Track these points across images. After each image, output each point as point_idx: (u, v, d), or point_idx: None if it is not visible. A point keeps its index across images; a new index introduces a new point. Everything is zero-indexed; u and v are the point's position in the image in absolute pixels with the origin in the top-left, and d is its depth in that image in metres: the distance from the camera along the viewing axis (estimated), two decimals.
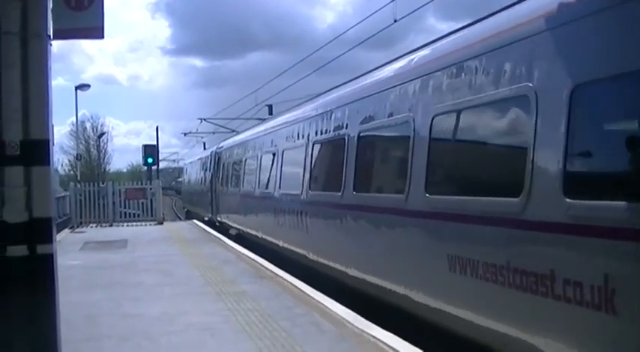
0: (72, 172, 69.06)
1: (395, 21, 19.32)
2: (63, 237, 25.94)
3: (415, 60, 10.63)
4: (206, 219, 34.73)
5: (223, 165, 30.35)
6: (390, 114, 10.92)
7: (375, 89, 11.80)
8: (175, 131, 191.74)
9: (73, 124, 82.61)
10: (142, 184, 35.97)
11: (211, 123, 49.58)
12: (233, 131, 43.14)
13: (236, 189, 25.98)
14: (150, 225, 32.58)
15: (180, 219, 48.14)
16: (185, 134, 60.53)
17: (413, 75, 10.22)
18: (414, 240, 9.59)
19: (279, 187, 18.31)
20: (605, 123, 6.44)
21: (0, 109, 6.14)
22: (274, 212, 18.67)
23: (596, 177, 6.38)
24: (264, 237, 20.14)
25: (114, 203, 33.31)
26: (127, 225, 32.43)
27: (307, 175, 15.54)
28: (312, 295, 12.19)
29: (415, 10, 19.48)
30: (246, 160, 24.36)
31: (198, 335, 9.63)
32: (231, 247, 21.38)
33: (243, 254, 19.26)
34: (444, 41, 10.04)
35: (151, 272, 15.99)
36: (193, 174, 45.32)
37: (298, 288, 13.00)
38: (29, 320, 6.17)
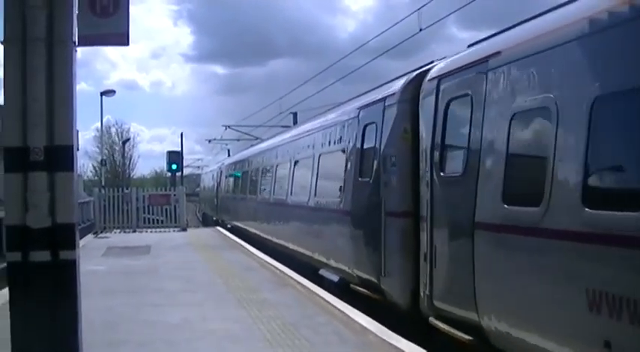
0: (96, 178, 69.52)
1: (420, 30, 19.35)
2: (86, 242, 26.09)
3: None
4: (214, 218, 43.32)
5: (225, 176, 39.93)
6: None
7: None
8: (198, 137, 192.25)
9: (97, 130, 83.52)
10: (165, 190, 36.13)
11: (235, 130, 49.76)
12: (257, 138, 43.21)
13: (232, 195, 35.71)
14: (173, 231, 32.64)
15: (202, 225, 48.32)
16: (209, 141, 60.84)
17: None
18: None
19: (260, 194, 26.80)
20: None
21: (25, 115, 6.18)
22: (257, 212, 27.06)
23: None
24: (247, 228, 29.30)
25: (137, 208, 33.44)
26: (151, 231, 32.53)
27: (273, 185, 23.92)
28: (334, 304, 12.14)
29: (440, 20, 19.53)
30: (241, 174, 33.08)
31: (218, 343, 9.62)
32: (254, 254, 21.36)
33: (267, 261, 19.24)
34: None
35: (173, 279, 16.01)
36: (207, 182, 53.42)
37: (320, 297, 12.95)
38: (51, 325, 6.19)
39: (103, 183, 47.44)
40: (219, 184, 42.31)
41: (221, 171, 42.15)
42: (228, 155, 50.61)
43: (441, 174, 10.00)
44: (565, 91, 7.04)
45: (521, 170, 8.24)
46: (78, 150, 6.96)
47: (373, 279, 12.16)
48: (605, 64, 6.56)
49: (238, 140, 51.36)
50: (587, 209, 6.45)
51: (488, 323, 8.27)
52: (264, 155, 26.60)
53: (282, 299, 12.98)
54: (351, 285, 13.54)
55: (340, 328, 10.29)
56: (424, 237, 10.33)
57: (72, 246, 6.29)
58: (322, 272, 15.59)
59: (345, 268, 13.82)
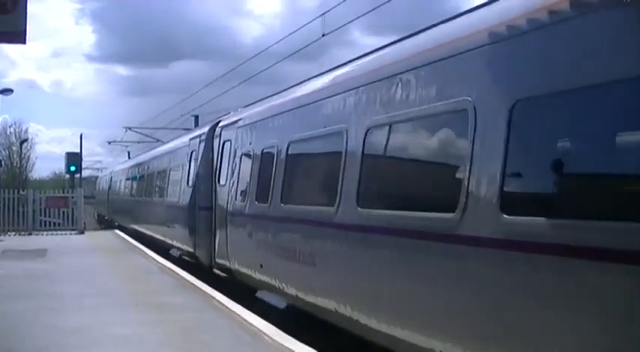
0: None
1: (323, 35, 19.59)
2: None
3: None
4: (107, 218, 49.25)
5: (113, 181, 46.54)
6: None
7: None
8: (101, 139, 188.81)
9: None
10: (64, 192, 35.46)
11: (136, 132, 49.17)
12: (158, 141, 42.87)
13: (118, 197, 41.90)
14: (71, 234, 32.10)
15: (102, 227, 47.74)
16: (110, 142, 60.03)
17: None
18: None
19: (134, 196, 34.11)
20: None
21: None
22: (134, 211, 33.39)
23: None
24: (129, 225, 34.80)
25: (34, 211, 32.75)
26: (48, 234, 31.88)
27: (141, 189, 31.85)
28: (232, 308, 12.24)
29: (344, 25, 19.83)
30: (125, 179, 39.45)
31: (115, 348, 9.61)
32: (154, 258, 21.25)
33: (165, 265, 19.19)
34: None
35: (71, 283, 15.81)
36: (101, 186, 58.81)
37: (219, 301, 13.04)
38: None
39: None
40: (109, 187, 48.61)
41: (111, 177, 49.02)
42: (129, 157, 50.12)
43: (218, 183, 16.87)
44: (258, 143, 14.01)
45: (249, 182, 14.09)
46: None
47: (192, 251, 19.15)
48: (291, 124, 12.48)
49: (139, 142, 50.81)
50: (283, 204, 11.99)
51: (235, 266, 14.81)
52: (138, 166, 34.84)
53: (181, 302, 13.02)
54: (183, 256, 20.81)
55: (239, 332, 10.42)
56: (213, 221, 16.88)
57: None
58: (171, 251, 22.30)
59: (180, 245, 21.12)
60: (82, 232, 32.96)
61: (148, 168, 30.65)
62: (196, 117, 41.76)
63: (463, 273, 6.77)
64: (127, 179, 38.21)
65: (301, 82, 13.13)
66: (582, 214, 5.50)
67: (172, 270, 18.07)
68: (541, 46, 6.14)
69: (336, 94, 10.28)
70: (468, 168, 6.77)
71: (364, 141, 9.05)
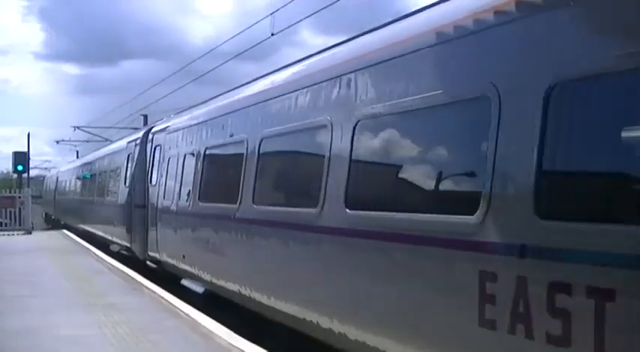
0: None
1: (272, 34, 19.56)
2: None
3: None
4: (53, 217, 50.43)
5: (59, 181, 48.56)
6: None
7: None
8: (49, 138, 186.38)
9: None
10: (12, 192, 34.96)
11: (85, 131, 48.62)
12: (107, 140, 42.49)
13: (64, 197, 43.87)
14: (18, 234, 31.61)
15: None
16: (58, 142, 59.25)
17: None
18: None
19: (78, 196, 35.77)
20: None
21: None
22: (79, 209, 34.78)
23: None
24: (74, 224, 35.72)
25: None
26: None
27: (84, 189, 34.16)
28: (182, 308, 12.17)
29: (292, 25, 19.83)
30: (69, 180, 41.76)
31: (64, 349, 9.44)
32: (102, 259, 21.03)
33: (114, 265, 19.00)
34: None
35: (18, 284, 15.53)
36: (48, 185, 59.83)
37: (168, 301, 12.95)
38: None
39: None
40: (56, 187, 50.03)
41: (57, 177, 50.86)
42: (77, 157, 49.64)
43: (150, 184, 18.46)
44: (184, 148, 15.47)
45: (174, 182, 15.86)
46: None
47: (129, 245, 20.88)
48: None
49: (88, 141, 50.24)
50: (200, 203, 13.69)
51: (164, 258, 16.36)
52: (82, 167, 36.93)
53: (130, 303, 12.91)
54: (121, 251, 22.18)
55: (188, 332, 10.35)
56: (146, 218, 18.40)
57: None
58: (111, 247, 23.81)
59: (118, 241, 22.65)
60: (29, 232, 32.51)
61: (91, 168, 32.76)
62: (145, 117, 41.44)
63: (318, 255, 8.60)
64: (72, 179, 40.46)
65: (217, 96, 15.08)
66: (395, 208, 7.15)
67: (122, 270, 17.89)
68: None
69: (235, 110, 12.46)
70: (326, 172, 8.30)
71: (259, 150, 10.80)
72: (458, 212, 6.03)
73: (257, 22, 20.44)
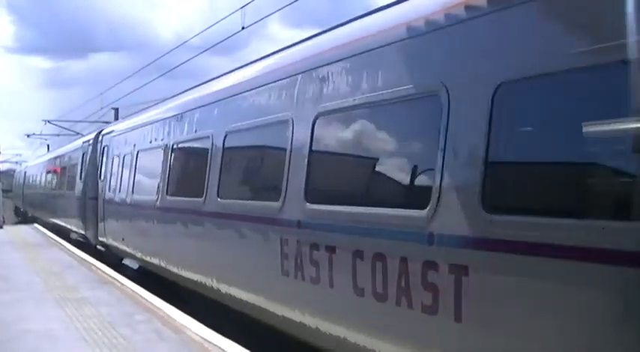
0: None
1: (243, 28, 19.53)
2: None
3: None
4: (22, 210, 53.70)
5: (27, 176, 52.21)
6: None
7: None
8: (20, 132, 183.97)
9: None
10: None
11: (56, 125, 48.24)
12: (78, 134, 42.22)
13: (31, 191, 46.69)
14: None
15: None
16: (28, 135, 58.66)
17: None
18: None
19: (42, 190, 39.70)
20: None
21: None
22: (43, 202, 38.30)
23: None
24: (40, 216, 39.05)
25: None
26: None
27: (46, 182, 38.16)
28: (153, 302, 12.22)
29: (263, 19, 19.82)
30: (36, 174, 45.30)
31: (35, 343, 9.45)
32: (73, 252, 20.97)
33: (86, 259, 18.97)
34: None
35: None
36: (17, 179, 63.25)
37: (139, 295, 12.98)
38: None
39: None
40: (24, 181, 52.92)
41: (25, 171, 53.98)
42: (48, 150, 49.37)
43: (100, 179, 21.42)
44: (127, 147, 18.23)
45: (116, 178, 18.90)
46: None
47: (83, 233, 23.77)
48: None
49: (58, 135, 49.85)
50: (133, 195, 16.82)
51: (109, 241, 19.36)
52: (47, 163, 39.66)
53: (101, 297, 12.92)
54: (78, 238, 25.25)
55: (159, 326, 10.39)
56: (97, 209, 21.19)
57: None
58: (71, 235, 26.99)
59: (76, 229, 25.60)
60: (0, 227, 32.27)
61: (54, 164, 35.79)
62: (116, 110, 41.13)
63: (203, 233, 11.66)
64: (37, 174, 43.84)
65: (156, 103, 18.39)
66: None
67: (93, 264, 17.88)
68: None
69: (156, 121, 15.79)
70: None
71: (172, 153, 14.09)
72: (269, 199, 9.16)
73: (228, 16, 20.41)
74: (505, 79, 5.39)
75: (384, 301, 6.59)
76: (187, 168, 13.99)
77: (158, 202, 14.28)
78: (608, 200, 4.79)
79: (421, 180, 6.51)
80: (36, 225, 34.85)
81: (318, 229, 7.95)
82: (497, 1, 5.62)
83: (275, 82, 9.55)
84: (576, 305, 4.75)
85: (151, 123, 16.24)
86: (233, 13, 19.73)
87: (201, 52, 26.81)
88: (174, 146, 14.04)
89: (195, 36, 37.01)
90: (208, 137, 11.81)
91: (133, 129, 18.28)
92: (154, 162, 15.10)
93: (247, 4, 19.00)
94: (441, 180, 5.92)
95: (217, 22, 21.71)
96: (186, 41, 26.79)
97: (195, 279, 11.93)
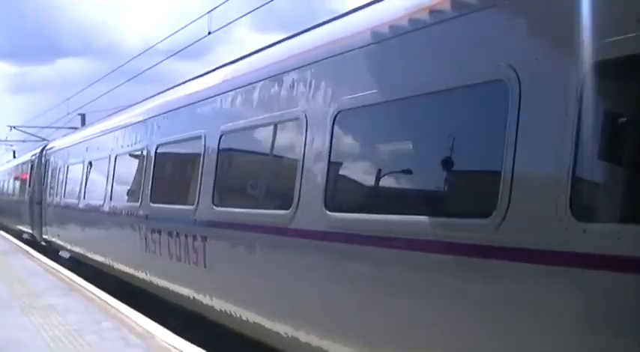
0: None
1: (209, 33, 19.50)
2: None
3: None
4: None
5: None
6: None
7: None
8: None
9: None
10: None
11: (21, 131, 47.79)
12: (44, 139, 41.87)
13: None
14: None
15: None
16: None
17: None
18: None
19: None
20: None
21: None
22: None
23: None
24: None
25: None
26: None
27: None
28: (120, 309, 12.16)
29: (230, 23, 19.81)
30: None
31: None
32: (39, 259, 20.81)
33: (52, 266, 18.83)
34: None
35: None
36: None
37: (106, 302, 12.92)
38: None
39: None
40: None
41: None
42: (14, 156, 48.92)
43: (43, 186, 25.84)
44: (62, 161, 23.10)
45: (54, 185, 23.47)
46: None
47: (31, 232, 27.89)
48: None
49: (24, 141, 49.31)
50: (64, 198, 21.84)
51: (50, 238, 23.74)
52: (2, 172, 44.51)
53: (67, 304, 12.82)
54: (28, 237, 29.13)
55: (126, 333, 10.35)
56: (41, 211, 25.38)
57: None
58: (23, 235, 30.31)
59: (25, 229, 29.95)
60: None
61: (9, 173, 40.43)
62: (83, 116, 40.86)
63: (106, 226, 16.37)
64: None
65: (91, 124, 23.60)
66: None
67: (59, 271, 17.75)
68: None
69: (82, 141, 20.72)
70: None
71: (90, 167, 18.68)
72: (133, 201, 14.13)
73: (194, 21, 20.37)
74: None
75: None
76: (98, 179, 17.78)
77: (79, 205, 19.09)
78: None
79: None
80: (1, 232, 34.48)
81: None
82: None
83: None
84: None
85: (79, 142, 21.12)
86: (199, 18, 19.72)
87: (168, 57, 26.81)
88: (91, 162, 18.66)
89: (162, 41, 36.94)
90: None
91: (67, 146, 23.17)
92: (76, 174, 20.01)
93: (214, 8, 19.00)
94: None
95: (184, 27, 21.69)
96: (153, 46, 26.73)
97: (100, 260, 16.54)
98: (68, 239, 20.66)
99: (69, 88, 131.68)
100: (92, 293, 14.07)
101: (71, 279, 16.17)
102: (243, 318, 8.94)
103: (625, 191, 4.45)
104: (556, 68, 4.88)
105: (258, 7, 17.55)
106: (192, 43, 21.64)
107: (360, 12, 7.74)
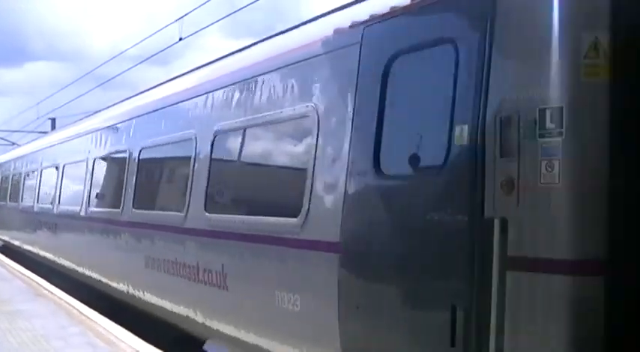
0: None
1: (180, 39, 19.58)
2: None
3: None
4: None
5: None
6: None
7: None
8: None
9: None
10: None
11: None
12: (14, 144, 41.63)
13: None
14: None
15: None
16: None
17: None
18: None
19: None
20: None
21: None
22: None
23: None
24: None
25: None
26: None
27: None
28: (87, 314, 12.19)
29: (201, 30, 19.92)
30: None
31: None
32: (7, 264, 20.73)
33: (20, 271, 18.78)
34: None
35: None
36: None
37: (74, 307, 12.94)
38: None
39: None
40: None
41: None
42: None
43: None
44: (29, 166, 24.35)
45: (7, 193, 27.28)
46: None
47: None
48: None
49: None
50: (20, 203, 24.21)
51: (4, 237, 27.58)
52: None
53: (35, 310, 12.83)
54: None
55: (93, 338, 10.39)
56: None
57: None
58: None
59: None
60: None
61: None
62: (53, 120, 40.66)
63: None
64: None
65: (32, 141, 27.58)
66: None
67: (27, 276, 17.70)
68: None
69: (25, 155, 25.08)
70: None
71: (34, 176, 21.67)
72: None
73: (165, 27, 20.45)
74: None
75: None
76: (37, 185, 20.93)
77: (20, 206, 23.20)
78: None
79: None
80: None
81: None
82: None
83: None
84: None
85: (24, 156, 25.14)
86: (170, 24, 19.81)
87: (138, 63, 26.87)
88: (30, 172, 22.63)
89: (132, 46, 36.90)
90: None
91: (13, 159, 27.85)
92: (20, 183, 24.43)
93: (185, 15, 19.09)
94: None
95: (155, 33, 21.77)
96: (123, 51, 26.70)
97: (45, 255, 18.91)
98: (18, 238, 23.99)
99: (38, 93, 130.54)
100: (60, 298, 14.06)
101: (39, 284, 16.14)
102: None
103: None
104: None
105: (230, 14, 17.71)
106: (163, 50, 21.75)
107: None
